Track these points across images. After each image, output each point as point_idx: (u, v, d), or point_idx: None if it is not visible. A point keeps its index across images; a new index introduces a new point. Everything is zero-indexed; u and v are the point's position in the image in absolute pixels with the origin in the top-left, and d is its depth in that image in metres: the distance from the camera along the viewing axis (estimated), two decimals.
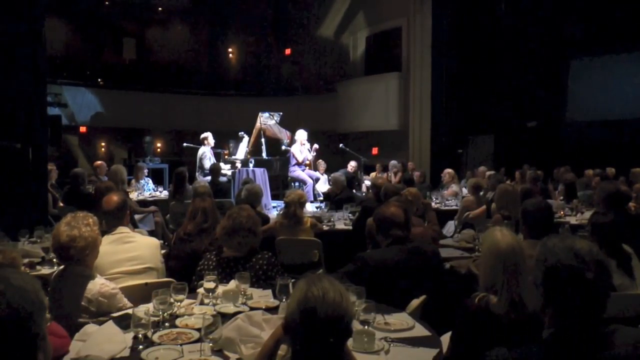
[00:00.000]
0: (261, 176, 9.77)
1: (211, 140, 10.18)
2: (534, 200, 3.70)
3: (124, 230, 3.51)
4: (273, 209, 8.55)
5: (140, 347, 2.29)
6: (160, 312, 2.56)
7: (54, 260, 3.99)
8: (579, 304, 1.55)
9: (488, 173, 9.97)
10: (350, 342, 2.12)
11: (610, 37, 12.69)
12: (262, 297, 2.98)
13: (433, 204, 7.69)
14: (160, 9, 17.78)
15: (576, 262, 1.55)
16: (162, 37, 18.01)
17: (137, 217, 7.29)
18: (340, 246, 5.50)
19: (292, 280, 2.81)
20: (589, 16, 12.93)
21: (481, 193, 7.02)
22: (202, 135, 10.25)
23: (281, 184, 11.19)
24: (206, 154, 10.01)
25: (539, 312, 1.67)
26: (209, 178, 9.14)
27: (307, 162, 10.73)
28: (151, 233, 6.26)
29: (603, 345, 1.55)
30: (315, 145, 10.86)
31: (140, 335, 2.33)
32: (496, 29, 13.73)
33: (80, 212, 2.93)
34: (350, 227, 6.07)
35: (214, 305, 2.84)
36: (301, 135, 10.44)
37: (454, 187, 9.18)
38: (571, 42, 13.50)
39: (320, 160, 11.47)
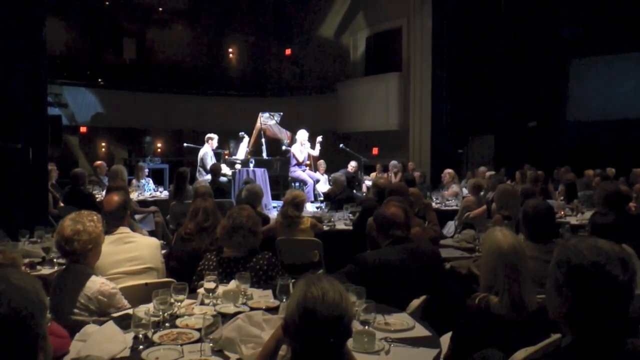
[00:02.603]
0: (261, 176, 9.77)
1: (215, 142, 10.20)
2: (534, 202, 3.69)
3: (124, 231, 3.51)
4: (273, 209, 8.54)
5: (141, 347, 2.29)
6: (161, 312, 2.56)
7: (55, 260, 4.00)
8: (607, 304, 1.49)
9: (488, 173, 9.97)
10: (350, 343, 2.13)
11: (610, 37, 12.69)
12: (263, 297, 2.98)
13: (433, 204, 7.68)
14: (160, 9, 17.78)
15: (602, 259, 1.50)
16: (162, 37, 18.01)
17: (137, 217, 7.30)
18: (340, 246, 5.49)
19: (293, 281, 2.81)
20: (589, 16, 12.94)
21: (481, 193, 7.02)
22: (208, 135, 10.28)
23: (282, 184, 11.18)
24: (208, 153, 10.02)
25: (557, 319, 1.60)
26: (209, 177, 9.14)
27: (308, 162, 10.71)
28: (151, 233, 6.27)
29: (626, 356, 1.50)
30: (319, 138, 10.83)
31: (140, 336, 2.34)
32: (496, 29, 13.74)
33: (85, 211, 2.95)
34: (351, 227, 6.06)
35: (214, 305, 2.84)
36: (302, 135, 10.43)
37: (454, 188, 9.17)
38: (571, 42, 13.50)
39: (320, 161, 11.48)
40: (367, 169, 12.68)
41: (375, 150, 15.10)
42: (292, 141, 10.92)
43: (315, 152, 10.84)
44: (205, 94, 17.22)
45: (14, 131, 6.25)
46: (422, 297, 3.02)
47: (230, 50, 18.92)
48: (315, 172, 11.10)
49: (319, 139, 10.82)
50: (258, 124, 11.06)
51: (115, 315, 2.66)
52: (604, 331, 1.51)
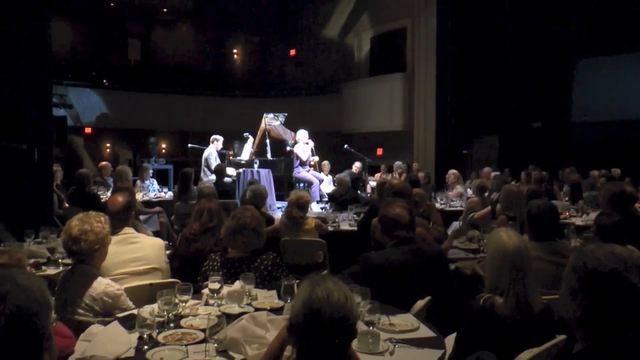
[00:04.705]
0: (266, 177, 9.75)
1: (220, 144, 10.21)
2: (539, 202, 3.68)
3: (128, 231, 3.51)
4: (278, 210, 8.54)
5: (145, 347, 2.29)
6: (165, 313, 2.56)
7: (60, 260, 4.02)
8: (623, 311, 1.46)
9: (493, 174, 9.94)
10: (355, 343, 2.12)
11: (615, 38, 12.65)
12: (267, 297, 2.98)
13: (438, 204, 7.67)
14: (165, 10, 17.82)
15: (619, 265, 1.47)
16: (166, 38, 18.05)
17: (142, 217, 7.31)
18: (345, 247, 5.49)
19: (297, 281, 2.80)
20: (593, 17, 12.90)
21: (486, 194, 7.00)
22: (214, 137, 10.29)
23: (286, 184, 11.18)
24: (212, 154, 10.03)
25: (572, 324, 1.58)
26: (213, 178, 9.14)
27: (312, 162, 10.68)
28: (156, 234, 6.28)
29: None
30: (316, 158, 10.85)
31: (145, 336, 2.34)
32: (501, 30, 13.70)
33: (93, 211, 2.96)
34: (355, 228, 6.06)
35: (219, 305, 2.84)
36: (302, 135, 10.42)
37: (458, 188, 9.15)
38: (576, 43, 13.46)
39: (324, 161, 11.46)
40: (372, 170, 12.66)
41: (379, 151, 15.08)
42: (296, 142, 10.90)
43: (313, 159, 10.81)
44: (210, 94, 17.25)
45: (19, 132, 6.27)
46: (427, 298, 3.01)
47: (234, 51, 18.96)
48: (319, 172, 11.08)
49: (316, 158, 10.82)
50: (262, 125, 11.05)
51: (120, 315, 2.67)
52: (618, 338, 1.47)
